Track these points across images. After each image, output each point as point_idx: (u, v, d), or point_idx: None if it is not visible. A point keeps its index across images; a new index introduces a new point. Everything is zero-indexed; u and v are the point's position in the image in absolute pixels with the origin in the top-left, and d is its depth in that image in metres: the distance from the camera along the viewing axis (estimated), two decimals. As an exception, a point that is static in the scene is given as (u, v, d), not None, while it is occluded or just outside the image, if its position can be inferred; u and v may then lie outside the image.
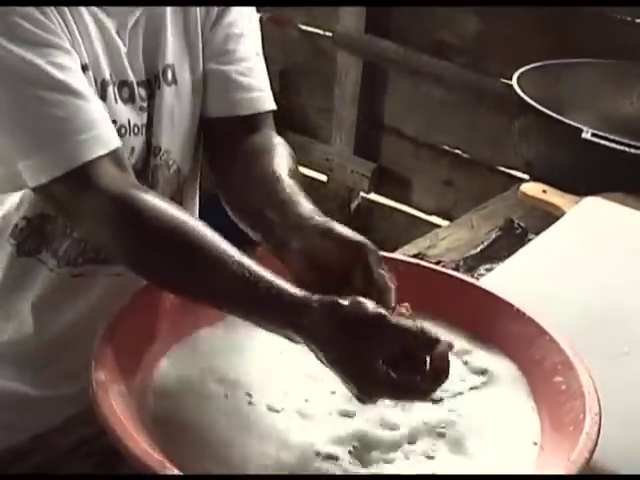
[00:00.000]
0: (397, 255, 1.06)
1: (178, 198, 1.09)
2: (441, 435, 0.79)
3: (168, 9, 1.03)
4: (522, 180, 1.94)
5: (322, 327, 0.74)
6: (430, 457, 0.76)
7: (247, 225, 0.98)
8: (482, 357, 0.90)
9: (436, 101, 2.02)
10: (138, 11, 1.00)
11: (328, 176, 2.22)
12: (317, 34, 2.14)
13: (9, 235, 1.03)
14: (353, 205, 2.19)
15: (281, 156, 1.00)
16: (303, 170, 2.28)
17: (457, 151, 2.05)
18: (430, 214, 2.12)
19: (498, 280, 1.05)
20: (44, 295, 1.04)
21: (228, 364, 0.86)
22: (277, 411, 0.80)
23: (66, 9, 0.92)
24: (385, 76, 2.08)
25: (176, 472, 0.65)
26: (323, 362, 0.75)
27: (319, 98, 2.15)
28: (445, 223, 2.10)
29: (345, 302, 0.74)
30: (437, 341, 0.73)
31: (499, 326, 0.92)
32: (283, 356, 0.86)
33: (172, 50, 1.04)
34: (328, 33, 2.12)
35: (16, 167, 0.89)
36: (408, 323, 0.74)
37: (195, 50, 1.07)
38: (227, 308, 0.85)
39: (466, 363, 0.90)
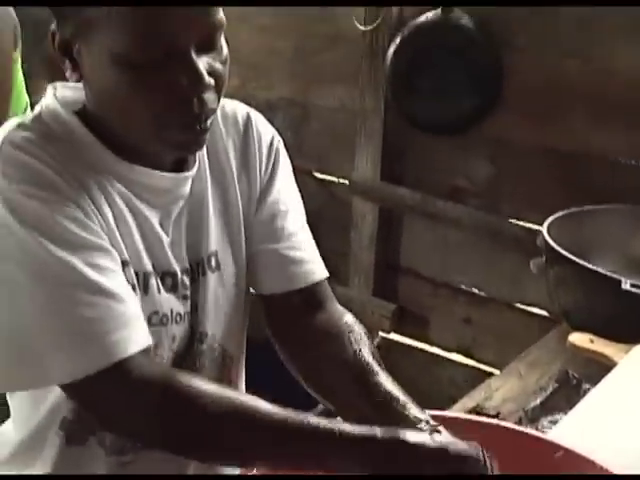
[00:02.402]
0: (478, 418, 1.13)
1: (226, 376, 1.12)
2: None
3: (210, 197, 1.07)
4: (541, 317, 2.05)
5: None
6: None
7: (328, 401, 1.05)
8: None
9: (452, 242, 2.12)
10: (181, 201, 1.04)
11: (347, 318, 2.30)
12: (333, 182, 2.26)
13: (58, 428, 1.03)
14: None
15: (361, 340, 1.06)
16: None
17: (474, 290, 2.15)
18: (450, 351, 2.20)
19: (566, 432, 1.12)
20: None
21: None
22: None
23: (106, 207, 0.96)
24: (400, 220, 2.20)
25: None
26: None
27: (336, 242, 2.23)
28: (465, 360, 2.19)
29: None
30: None
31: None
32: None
33: (215, 237, 1.08)
34: (343, 180, 2.24)
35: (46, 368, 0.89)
36: None
37: (237, 236, 1.10)
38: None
39: None
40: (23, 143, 0.93)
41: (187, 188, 1.04)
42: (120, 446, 1.04)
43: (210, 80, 0.91)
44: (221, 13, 0.92)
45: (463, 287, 2.16)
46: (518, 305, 2.09)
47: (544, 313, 2.03)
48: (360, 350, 1.04)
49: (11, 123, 0.98)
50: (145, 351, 0.92)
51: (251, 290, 1.15)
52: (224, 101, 1.06)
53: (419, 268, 2.20)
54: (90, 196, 0.94)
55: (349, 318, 1.11)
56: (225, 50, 0.95)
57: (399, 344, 2.26)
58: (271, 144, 1.13)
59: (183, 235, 1.05)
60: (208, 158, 1.08)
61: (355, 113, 2.17)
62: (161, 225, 1.02)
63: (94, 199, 0.95)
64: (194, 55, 0.90)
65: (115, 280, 0.92)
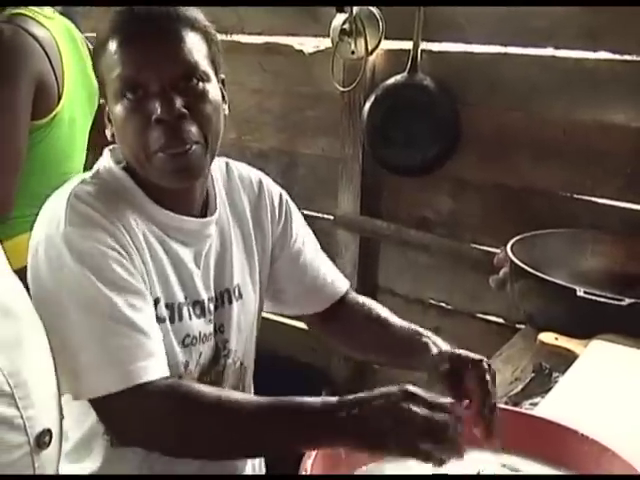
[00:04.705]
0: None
1: (242, 383, 1.21)
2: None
3: (233, 238, 1.16)
4: (498, 324, 2.16)
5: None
6: None
7: (376, 356, 1.23)
8: (525, 466, 1.06)
9: (422, 265, 2.20)
10: (209, 240, 1.13)
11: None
12: (319, 217, 2.33)
13: (103, 433, 1.10)
14: (356, 353, 2.35)
15: (372, 306, 1.26)
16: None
17: (442, 304, 2.24)
18: (422, 356, 2.29)
19: (546, 412, 1.22)
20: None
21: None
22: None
23: (144, 247, 1.04)
24: (378, 247, 2.27)
25: None
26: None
27: (324, 268, 2.32)
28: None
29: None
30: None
31: (569, 449, 1.08)
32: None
33: (238, 271, 1.17)
34: (328, 216, 2.32)
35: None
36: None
37: (254, 271, 1.20)
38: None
39: (504, 466, 1.05)
40: (84, 195, 1.03)
41: (212, 229, 1.13)
42: None
43: (182, 110, 0.99)
44: (191, 64, 1.01)
45: (432, 302, 2.24)
46: (479, 315, 2.18)
47: (500, 321, 2.14)
48: (372, 310, 1.25)
49: (77, 179, 1.07)
50: (164, 379, 0.97)
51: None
52: (241, 165, 1.20)
53: (394, 287, 2.28)
54: (134, 241, 1.03)
55: (365, 300, 1.30)
56: (211, 95, 1.03)
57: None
58: (280, 200, 1.25)
59: (211, 268, 1.13)
60: (230, 207, 1.17)
61: (337, 160, 2.26)
62: (194, 260, 1.10)
63: (137, 243, 1.03)
64: (170, 93, 0.99)
65: (147, 319, 1.00)
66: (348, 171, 2.24)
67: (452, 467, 1.04)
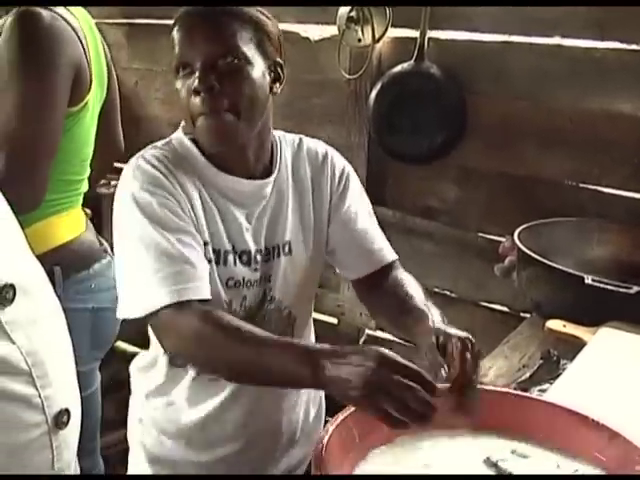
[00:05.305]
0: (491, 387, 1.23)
1: (290, 332, 1.31)
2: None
3: (290, 199, 1.28)
4: (502, 312, 2.17)
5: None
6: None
7: (391, 328, 1.29)
8: (534, 452, 1.06)
9: (426, 253, 2.21)
10: (264, 201, 1.26)
11: (339, 319, 2.38)
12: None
13: (164, 352, 1.28)
14: (361, 341, 2.36)
15: (413, 286, 1.29)
16: (318, 316, 2.44)
17: (446, 292, 2.25)
18: (427, 344, 2.30)
19: (555, 398, 1.22)
20: (191, 394, 1.29)
21: None
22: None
23: (198, 204, 1.20)
24: None
25: None
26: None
27: (329, 256, 2.33)
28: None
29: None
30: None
31: (579, 435, 1.07)
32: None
33: (290, 230, 1.28)
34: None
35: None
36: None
37: (308, 232, 1.31)
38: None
39: (513, 452, 1.06)
40: (149, 158, 1.21)
41: (267, 191, 1.26)
42: None
43: (213, 83, 1.14)
44: (227, 46, 1.15)
45: (437, 290, 2.24)
46: (483, 303, 2.19)
47: (505, 309, 2.15)
48: (403, 286, 1.28)
49: (149, 145, 1.25)
50: (204, 301, 1.13)
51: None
52: (312, 141, 1.34)
53: (399, 275, 2.29)
54: (188, 195, 1.20)
55: (404, 276, 1.32)
56: (247, 73, 1.17)
57: (383, 339, 2.34)
58: (342, 172, 1.35)
59: (264, 226, 1.26)
60: (292, 173, 1.30)
61: (342, 147, 2.22)
62: (247, 218, 1.24)
63: (190, 198, 1.20)
64: (206, 70, 1.15)
65: (195, 253, 1.16)
66: (354, 159, 2.20)
67: (459, 451, 1.06)
